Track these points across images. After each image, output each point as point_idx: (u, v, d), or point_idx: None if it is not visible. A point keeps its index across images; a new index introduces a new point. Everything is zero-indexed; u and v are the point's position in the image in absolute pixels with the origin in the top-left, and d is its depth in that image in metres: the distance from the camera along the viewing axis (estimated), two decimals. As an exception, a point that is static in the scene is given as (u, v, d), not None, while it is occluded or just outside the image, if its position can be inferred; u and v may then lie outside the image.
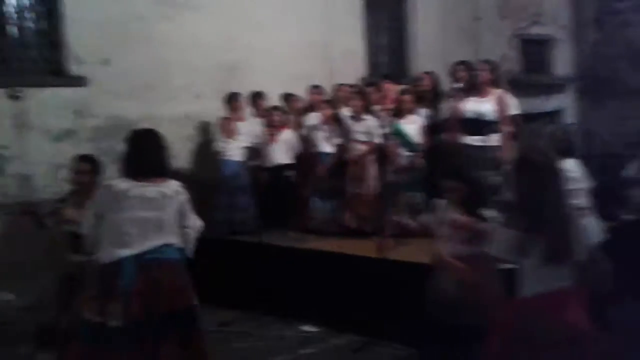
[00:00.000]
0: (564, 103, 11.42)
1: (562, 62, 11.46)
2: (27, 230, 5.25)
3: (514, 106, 5.75)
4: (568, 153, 4.03)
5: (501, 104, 5.55)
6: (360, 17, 8.87)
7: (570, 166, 3.94)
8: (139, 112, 6.72)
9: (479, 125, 5.54)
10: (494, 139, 5.54)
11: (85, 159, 4.40)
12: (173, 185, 3.41)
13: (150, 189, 3.29)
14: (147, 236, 3.22)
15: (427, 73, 6.58)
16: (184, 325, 3.26)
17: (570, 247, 2.72)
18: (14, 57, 6.25)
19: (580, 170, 4.11)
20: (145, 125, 6.62)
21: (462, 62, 6.32)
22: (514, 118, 5.75)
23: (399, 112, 6.11)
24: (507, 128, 5.61)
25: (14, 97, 6.02)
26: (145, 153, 3.41)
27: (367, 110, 6.42)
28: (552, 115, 11.13)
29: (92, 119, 6.49)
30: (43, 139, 6.21)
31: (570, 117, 11.22)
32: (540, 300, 2.74)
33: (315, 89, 7.11)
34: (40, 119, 6.18)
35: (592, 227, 3.86)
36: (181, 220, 3.39)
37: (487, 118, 5.52)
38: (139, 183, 3.29)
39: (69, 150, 6.31)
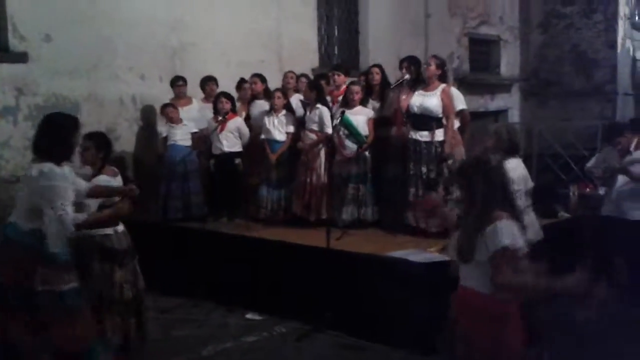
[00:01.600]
0: (510, 103, 11.73)
1: (509, 62, 11.76)
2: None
3: (460, 101, 5.83)
4: (512, 152, 4.07)
5: (447, 98, 5.62)
6: (312, 7, 8.84)
7: (514, 165, 3.98)
8: (81, 91, 6.52)
9: (424, 119, 5.60)
10: (439, 134, 5.61)
11: (88, 137, 4.22)
12: (43, 168, 3.36)
13: (30, 170, 3.44)
14: (14, 212, 3.46)
15: (375, 66, 6.62)
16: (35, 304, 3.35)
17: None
18: (-50, 30, 5.94)
19: (523, 169, 4.17)
20: (89, 105, 6.58)
21: (409, 57, 6.37)
22: (461, 113, 5.84)
23: (347, 103, 6.12)
24: (453, 123, 5.69)
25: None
26: (37, 135, 3.53)
27: (321, 100, 6.41)
28: (498, 114, 11.44)
29: (32, 96, 6.22)
30: (-20, 116, 5.94)
31: (515, 116, 11.53)
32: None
33: (257, 77, 7.02)
34: (-24, 95, 5.90)
35: (533, 225, 3.95)
36: (42, 205, 3.32)
37: (433, 113, 5.59)
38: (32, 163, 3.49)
39: (8, 128, 6.08)
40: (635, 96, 11.93)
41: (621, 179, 5.26)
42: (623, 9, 11.43)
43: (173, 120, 6.54)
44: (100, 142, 4.26)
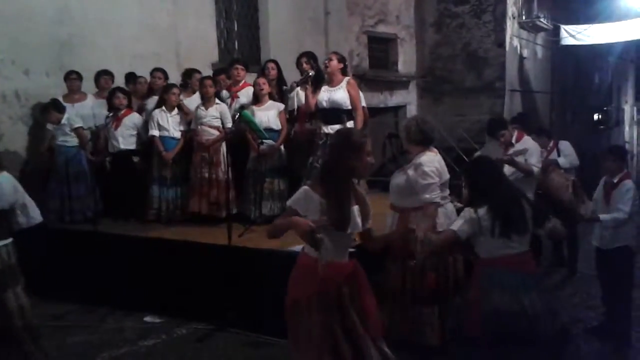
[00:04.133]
0: (408, 99, 12.08)
1: (406, 60, 12.10)
2: None
3: (360, 98, 5.91)
4: (424, 143, 4.07)
5: (354, 90, 5.68)
6: (210, 1, 8.66)
7: (429, 158, 4.01)
8: (-43, 87, 6.02)
9: (334, 113, 5.61)
10: (350, 125, 5.62)
11: None
12: None
13: None
14: None
15: (270, 61, 6.58)
16: None
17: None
18: None
19: (438, 162, 4.11)
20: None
21: (307, 54, 6.39)
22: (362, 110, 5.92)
23: (257, 99, 6.04)
24: (361, 112, 5.75)
25: None
26: None
27: (218, 95, 6.30)
28: (397, 110, 11.74)
29: None
30: None
31: (413, 112, 11.88)
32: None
33: (159, 72, 6.80)
34: None
35: (451, 216, 4.08)
36: None
37: (342, 106, 5.62)
38: None
39: None
40: (522, 92, 12.65)
41: (507, 169, 5.52)
42: (511, 9, 12.07)
43: (52, 121, 6.18)
44: None
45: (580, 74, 15.36)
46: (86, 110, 6.43)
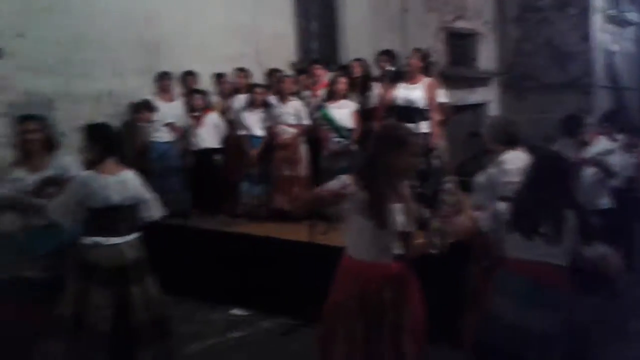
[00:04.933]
0: (488, 96, 11.81)
1: (486, 56, 11.83)
2: None
3: (442, 94, 5.84)
4: (510, 144, 3.93)
5: (431, 91, 5.62)
6: (290, 1, 8.78)
7: (511, 157, 3.86)
8: (56, 88, 6.38)
9: (409, 112, 5.58)
10: (423, 126, 5.59)
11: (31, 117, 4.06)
12: None
13: None
14: None
15: (357, 60, 6.59)
16: None
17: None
18: None
19: (522, 161, 4.04)
20: (64, 101, 6.43)
21: (386, 52, 6.37)
22: (442, 106, 5.85)
23: (331, 97, 6.07)
24: (437, 115, 5.69)
25: None
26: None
27: (294, 93, 6.36)
28: (477, 108, 11.50)
29: (6, 93, 6.07)
30: (-46, 112, 5.77)
31: (494, 110, 11.61)
32: None
33: (241, 71, 6.96)
34: (-51, 92, 5.74)
35: None
36: None
37: (417, 105, 5.57)
38: None
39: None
40: (610, 88, 12.09)
41: (589, 169, 5.28)
42: (597, 2, 11.57)
43: (144, 120, 6.44)
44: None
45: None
46: (177, 110, 6.67)
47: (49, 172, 3.84)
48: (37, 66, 6.23)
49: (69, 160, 3.95)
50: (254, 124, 6.35)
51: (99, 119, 6.61)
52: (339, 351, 2.95)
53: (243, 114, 6.40)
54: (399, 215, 2.93)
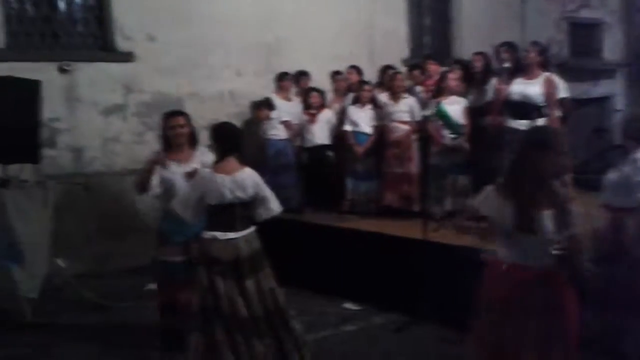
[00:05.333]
0: (614, 89, 11.12)
1: (612, 46, 11.14)
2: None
3: (563, 89, 5.60)
4: None
5: (549, 86, 5.41)
6: (402, -3, 8.77)
7: None
8: (183, 88, 6.82)
9: (525, 108, 5.40)
10: (541, 123, 5.39)
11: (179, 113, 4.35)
12: None
13: None
14: None
15: (478, 53, 6.43)
16: None
17: None
18: (63, 32, 6.36)
19: None
20: (191, 101, 6.87)
21: (507, 44, 6.18)
22: (563, 101, 5.61)
23: (441, 92, 5.99)
24: (556, 111, 5.47)
25: (64, 71, 6.15)
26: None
27: (408, 90, 6.35)
28: (601, 101, 10.86)
29: (139, 94, 6.60)
30: (93, 113, 6.35)
31: (620, 103, 10.92)
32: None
33: (353, 69, 7.05)
34: (89, 93, 6.33)
35: None
36: None
37: (534, 101, 5.39)
38: None
39: (117, 124, 6.46)
40: None
41: None
42: None
43: (262, 118, 6.70)
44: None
45: None
46: (294, 108, 6.88)
47: (194, 165, 4.08)
48: (165, 68, 6.71)
49: (211, 156, 4.14)
50: (361, 120, 6.40)
51: (222, 117, 7.01)
52: (484, 350, 3.01)
53: (350, 111, 6.48)
54: (547, 222, 2.87)
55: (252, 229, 3.83)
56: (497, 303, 2.98)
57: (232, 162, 3.75)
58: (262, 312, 3.70)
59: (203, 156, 4.16)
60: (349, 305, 5.35)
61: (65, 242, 5.57)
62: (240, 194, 3.69)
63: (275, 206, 3.91)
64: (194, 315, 3.68)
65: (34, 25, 6.21)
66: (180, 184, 4.00)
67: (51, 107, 5.91)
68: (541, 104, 5.38)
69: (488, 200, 3.02)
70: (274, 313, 3.76)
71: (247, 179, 3.75)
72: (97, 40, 6.57)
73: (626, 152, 3.86)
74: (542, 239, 2.90)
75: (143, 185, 4.07)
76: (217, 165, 3.75)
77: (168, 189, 4.05)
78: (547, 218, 2.87)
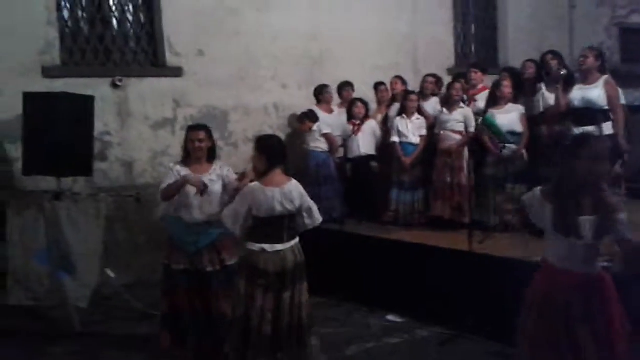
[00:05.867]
0: (667, 95, 10.75)
1: (665, 51, 10.78)
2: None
3: (620, 94, 5.48)
4: None
5: (612, 89, 5.29)
6: (448, 6, 8.72)
7: None
8: (230, 102, 6.96)
9: (589, 113, 5.29)
10: (607, 127, 5.26)
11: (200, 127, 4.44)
12: None
13: None
14: None
15: (529, 61, 6.34)
16: None
17: None
18: (115, 48, 6.59)
19: None
20: (237, 114, 7.01)
21: (552, 52, 6.07)
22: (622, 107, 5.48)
23: (495, 101, 5.91)
24: (622, 114, 5.34)
25: (116, 86, 6.37)
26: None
27: (463, 100, 6.31)
28: (654, 109, 10.53)
29: (187, 108, 6.76)
30: (143, 127, 6.54)
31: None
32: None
33: (398, 79, 7.05)
34: (140, 108, 6.52)
35: None
36: None
37: (597, 105, 5.27)
38: None
39: (167, 138, 6.64)
40: None
41: None
42: None
43: (305, 130, 6.76)
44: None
45: None
46: (336, 120, 6.93)
47: (209, 178, 4.19)
48: (213, 82, 6.86)
49: (227, 170, 4.30)
50: (408, 131, 6.39)
51: (266, 129, 7.18)
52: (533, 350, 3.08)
53: (396, 121, 6.48)
54: (588, 227, 2.89)
55: (297, 239, 3.90)
56: (538, 304, 3.04)
57: (278, 174, 3.81)
58: (289, 325, 3.75)
59: (220, 170, 4.27)
60: (392, 318, 5.33)
61: (115, 253, 5.76)
62: (288, 205, 3.75)
63: (319, 216, 3.98)
64: (228, 327, 3.78)
65: (88, 42, 6.44)
66: (192, 193, 4.11)
67: (103, 122, 6.15)
68: (604, 108, 5.27)
69: (533, 202, 3.08)
70: (296, 327, 3.80)
71: (294, 191, 3.81)
72: (148, 56, 6.76)
73: None
74: (583, 244, 2.92)
75: (172, 197, 4.17)
76: (264, 178, 3.79)
77: (183, 198, 4.16)
78: (587, 223, 2.89)
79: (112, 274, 5.38)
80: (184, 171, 4.20)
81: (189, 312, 4.20)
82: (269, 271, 3.71)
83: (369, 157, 6.79)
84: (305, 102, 7.16)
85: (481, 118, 5.81)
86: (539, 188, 3.09)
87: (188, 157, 4.28)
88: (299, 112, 7.02)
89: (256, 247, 3.76)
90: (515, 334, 3.42)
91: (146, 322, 5.19)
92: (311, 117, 6.76)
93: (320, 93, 7.01)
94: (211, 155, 4.31)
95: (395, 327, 5.16)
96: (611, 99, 5.21)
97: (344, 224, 6.31)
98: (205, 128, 4.35)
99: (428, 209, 6.28)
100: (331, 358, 4.47)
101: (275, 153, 3.85)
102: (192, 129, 4.35)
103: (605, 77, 5.32)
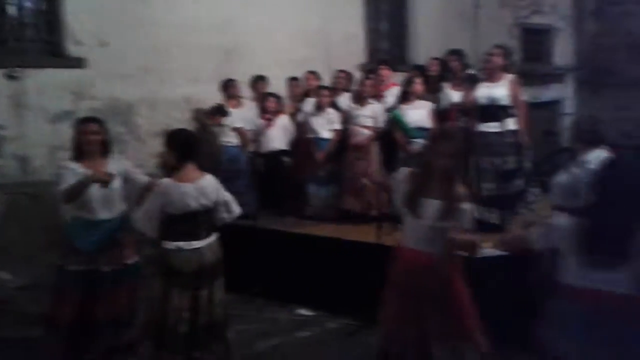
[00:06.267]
0: (564, 93, 11.42)
1: (562, 51, 11.45)
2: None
3: (522, 92, 5.73)
4: (594, 143, 3.83)
5: (516, 88, 5.53)
6: (361, 3, 8.83)
7: (596, 156, 3.73)
8: (136, 95, 6.73)
9: (493, 110, 5.50)
10: (510, 124, 5.49)
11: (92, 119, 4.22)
12: None
13: None
14: None
15: (435, 59, 6.52)
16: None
17: None
18: (12, 37, 6.22)
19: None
20: (143, 107, 6.78)
21: (455, 51, 6.28)
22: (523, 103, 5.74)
23: (406, 97, 6.04)
24: (522, 112, 5.59)
25: (11, 77, 6.01)
26: None
27: (373, 95, 6.39)
28: (552, 105, 11.15)
29: (90, 100, 6.47)
30: (41, 120, 6.20)
31: (569, 107, 11.22)
32: None
33: (312, 74, 7.08)
34: (38, 100, 6.18)
35: None
36: None
37: (501, 103, 5.49)
38: None
39: (67, 132, 6.30)
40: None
41: None
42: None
43: (215, 124, 6.61)
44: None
45: None
46: (246, 114, 6.85)
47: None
48: (118, 74, 6.60)
49: (125, 164, 4.15)
50: (321, 126, 6.42)
51: (176, 124, 6.93)
52: (390, 327, 3.28)
53: (310, 117, 6.50)
54: (432, 210, 3.11)
55: (215, 236, 3.84)
56: (396, 283, 3.27)
57: (192, 169, 3.73)
58: (207, 322, 3.69)
59: (115, 164, 4.09)
60: (302, 311, 5.36)
61: (10, 253, 5.44)
62: (203, 201, 3.68)
63: (236, 208, 3.95)
64: (139, 328, 3.65)
65: (-18, 30, 6.05)
66: (93, 191, 3.91)
67: (-2, 115, 5.80)
68: (508, 105, 5.49)
69: (398, 181, 3.34)
70: (214, 324, 3.75)
71: (208, 186, 3.75)
72: (47, 45, 6.43)
73: (574, 155, 3.98)
74: (428, 225, 3.14)
75: (77, 198, 3.92)
76: (177, 174, 3.69)
77: (84, 196, 3.92)
78: (431, 205, 3.12)
79: (6, 276, 5.08)
80: (80, 168, 3.96)
81: (79, 317, 3.96)
82: (186, 270, 3.63)
83: (281, 152, 6.77)
84: (217, 95, 7.02)
85: (389, 114, 5.91)
86: (405, 169, 3.33)
87: (80, 153, 4.02)
88: (201, 108, 6.88)
89: (172, 245, 3.65)
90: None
91: (40, 326, 4.93)
92: (221, 111, 6.65)
93: (226, 87, 6.91)
94: (105, 149, 4.09)
95: (305, 321, 5.19)
96: (515, 97, 5.45)
97: (256, 220, 6.26)
98: (97, 120, 4.13)
99: (341, 203, 6.34)
100: (240, 355, 4.40)
101: (186, 148, 3.76)
102: (83, 121, 4.11)
103: (510, 76, 5.54)
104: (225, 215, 3.88)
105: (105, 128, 4.12)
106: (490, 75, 5.53)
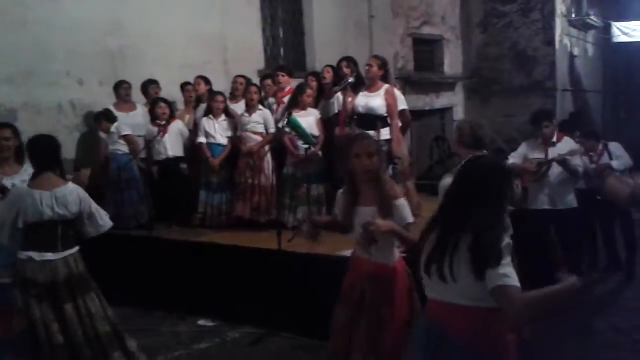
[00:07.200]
0: (454, 101, 11.95)
1: (452, 61, 11.98)
2: None
3: (401, 102, 5.90)
4: (476, 147, 3.90)
5: (391, 99, 5.68)
6: (257, 8, 8.77)
7: None
8: (18, 98, 6.25)
9: (370, 119, 5.63)
10: (385, 133, 5.64)
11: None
12: None
13: None
14: None
15: (328, 66, 6.59)
16: None
17: None
18: None
19: None
20: (26, 112, 6.31)
21: (346, 59, 6.40)
22: (402, 113, 5.90)
23: (296, 104, 6.07)
24: (397, 121, 5.75)
25: None
26: None
27: (262, 102, 6.37)
28: (443, 113, 11.63)
29: (-35, 104, 5.95)
30: None
31: (460, 114, 11.75)
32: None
33: (201, 79, 6.92)
34: None
35: None
36: None
37: (377, 112, 5.63)
38: None
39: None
40: (573, 91, 12.35)
41: (556, 169, 5.35)
42: (560, 7, 11.81)
43: (103, 130, 6.34)
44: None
45: (633, 72, 14.90)
46: (137, 119, 6.57)
47: (21, 179, 3.85)
48: (-1, 78, 6.12)
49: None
50: (215, 132, 6.30)
51: (62, 129, 6.58)
52: (335, 335, 3.31)
53: (202, 122, 6.35)
54: (367, 217, 3.07)
55: (75, 249, 3.66)
56: (344, 295, 3.28)
57: (51, 177, 3.58)
58: (85, 338, 3.54)
59: (31, 170, 3.86)
60: (203, 322, 5.19)
61: None
62: (60, 210, 3.51)
63: (105, 222, 3.76)
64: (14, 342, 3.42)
65: None
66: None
67: None
68: (384, 115, 5.63)
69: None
70: (104, 337, 3.59)
71: (68, 195, 3.56)
72: None
73: (460, 158, 4.11)
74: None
75: None
76: (34, 181, 3.55)
77: None
78: (365, 213, 3.13)
79: None
80: None
81: None
82: (39, 281, 3.47)
83: (177, 159, 6.55)
84: (107, 100, 6.67)
85: (286, 120, 5.90)
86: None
87: None
88: (98, 110, 6.54)
89: (24, 255, 3.51)
90: (322, 327, 3.52)
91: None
92: (109, 116, 6.32)
93: (117, 90, 6.60)
94: (19, 155, 3.99)
95: (206, 332, 5.03)
96: (390, 107, 5.63)
97: (152, 229, 6.01)
98: (10, 126, 4.08)
99: (233, 210, 6.25)
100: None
101: (43, 156, 3.62)
102: None
103: (386, 86, 5.71)
104: (89, 229, 3.71)
105: (18, 134, 4.05)
106: (370, 85, 5.69)
